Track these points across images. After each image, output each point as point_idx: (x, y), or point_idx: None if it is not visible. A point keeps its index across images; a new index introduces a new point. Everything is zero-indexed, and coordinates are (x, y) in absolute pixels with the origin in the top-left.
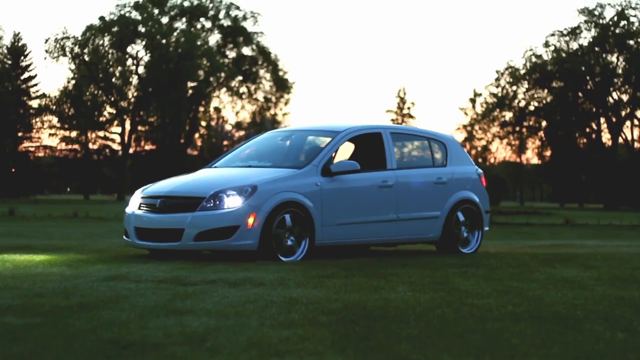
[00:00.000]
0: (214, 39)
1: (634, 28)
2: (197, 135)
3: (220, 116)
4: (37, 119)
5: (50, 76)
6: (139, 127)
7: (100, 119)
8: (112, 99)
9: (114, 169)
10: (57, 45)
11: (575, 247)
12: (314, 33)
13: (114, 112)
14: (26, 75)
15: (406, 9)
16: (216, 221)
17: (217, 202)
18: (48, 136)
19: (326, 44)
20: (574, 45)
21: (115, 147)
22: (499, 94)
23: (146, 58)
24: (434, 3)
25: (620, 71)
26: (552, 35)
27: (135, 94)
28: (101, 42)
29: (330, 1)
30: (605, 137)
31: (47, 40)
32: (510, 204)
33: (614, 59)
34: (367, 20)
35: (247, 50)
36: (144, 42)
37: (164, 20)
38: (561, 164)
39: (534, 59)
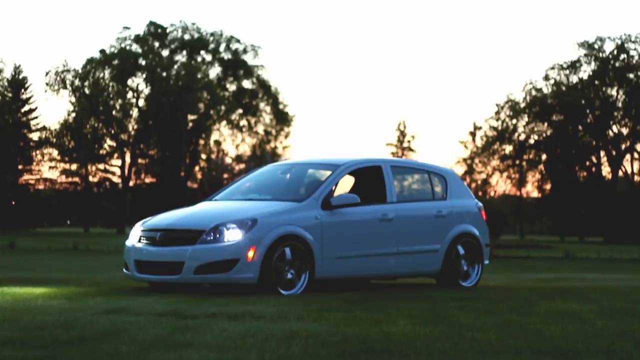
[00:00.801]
0: (215, 72)
1: (634, 61)
2: (197, 168)
3: (221, 149)
4: (38, 152)
5: (51, 108)
6: (139, 160)
7: (101, 151)
8: (113, 131)
9: (114, 201)
10: (58, 78)
11: (575, 280)
12: (314, 66)
13: (114, 144)
14: (27, 107)
15: (407, 43)
16: (216, 254)
17: (218, 235)
18: (48, 169)
19: (327, 76)
20: (574, 79)
21: (116, 179)
22: (499, 127)
23: (146, 91)
24: (434, 37)
25: (620, 104)
26: (552, 68)
27: (135, 126)
28: (101, 74)
29: (331, 34)
30: (605, 170)
31: (47, 73)
32: (510, 237)
33: (613, 92)
34: (368, 54)
35: (247, 83)
36: (144, 75)
37: (165, 53)
38: (561, 197)
39: (534, 93)
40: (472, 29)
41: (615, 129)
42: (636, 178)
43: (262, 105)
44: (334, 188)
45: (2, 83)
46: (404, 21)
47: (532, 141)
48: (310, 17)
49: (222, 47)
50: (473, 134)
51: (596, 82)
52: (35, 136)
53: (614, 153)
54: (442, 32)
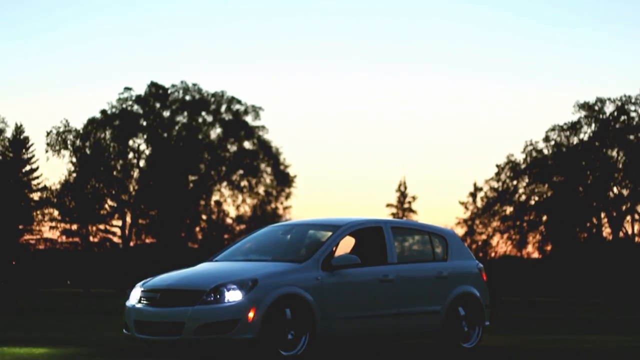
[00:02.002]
0: (215, 132)
1: (634, 123)
2: (197, 228)
3: (221, 209)
4: (38, 212)
5: (52, 168)
6: (140, 220)
7: (101, 212)
8: (113, 192)
9: (114, 262)
10: (59, 139)
11: (576, 341)
12: (315, 126)
13: (115, 205)
14: (28, 167)
15: (407, 104)
16: (217, 315)
17: (218, 296)
18: (49, 229)
19: (327, 137)
20: (574, 140)
21: (116, 240)
22: (500, 188)
23: (147, 151)
24: (434, 99)
25: (620, 165)
26: (553, 129)
27: (136, 187)
28: (103, 135)
29: (332, 96)
30: (606, 231)
31: (48, 134)
32: (511, 298)
33: (614, 153)
34: (370, 116)
35: (248, 144)
36: (145, 136)
37: (166, 113)
38: (562, 258)
39: (534, 154)
40: (472, 90)
41: (615, 190)
42: (637, 239)
43: (262, 166)
44: (334, 249)
45: (3, 143)
46: (405, 84)
47: (532, 202)
48: (312, 78)
49: (223, 108)
50: (473, 195)
51: (596, 143)
52: (36, 196)
53: (614, 214)
54: (442, 94)
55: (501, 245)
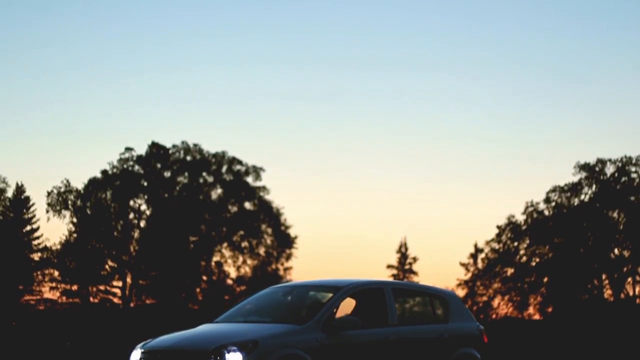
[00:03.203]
0: (216, 193)
1: (635, 184)
2: (198, 289)
3: (222, 270)
4: (39, 272)
5: (52, 228)
6: (140, 281)
7: (102, 272)
8: (114, 252)
9: (114, 323)
10: (60, 199)
11: None
12: (316, 187)
13: (115, 265)
14: (28, 227)
15: (407, 167)
16: None
17: (219, 358)
18: (49, 290)
19: (328, 198)
20: (575, 201)
21: (116, 301)
22: (501, 250)
23: (148, 212)
24: (434, 161)
25: (621, 227)
26: (553, 191)
27: (136, 247)
28: (103, 195)
29: (333, 156)
30: (607, 293)
31: (49, 194)
32: None
33: (615, 215)
34: (370, 177)
35: (249, 205)
36: (146, 196)
37: (167, 174)
38: (563, 320)
39: (535, 215)
40: (472, 151)
41: (616, 251)
42: (638, 301)
43: (263, 226)
44: (335, 310)
45: (4, 203)
46: (406, 144)
47: (533, 264)
48: (313, 140)
49: (224, 169)
50: (474, 256)
51: (597, 204)
52: (36, 256)
53: (615, 276)
54: (443, 155)
55: (502, 306)
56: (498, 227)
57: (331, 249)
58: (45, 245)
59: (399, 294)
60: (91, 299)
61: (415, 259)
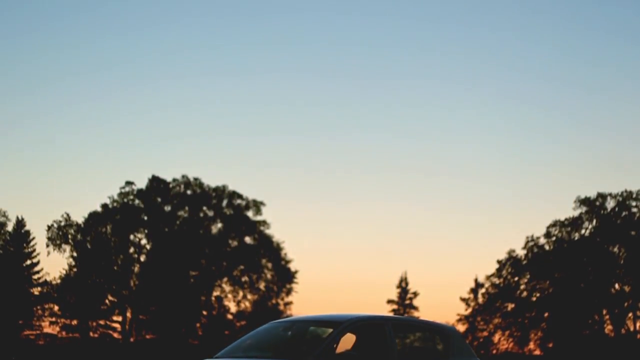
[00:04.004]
0: (216, 227)
1: (636, 218)
2: (198, 324)
3: (222, 305)
4: (39, 307)
5: (52, 262)
6: (140, 316)
7: (102, 307)
8: (114, 287)
9: (114, 358)
10: (60, 233)
11: None
12: (316, 222)
13: (115, 300)
14: (28, 262)
15: (408, 202)
16: None
17: None
18: (49, 324)
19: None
20: (575, 236)
21: (116, 335)
22: (501, 285)
23: (148, 246)
24: (434, 196)
25: (622, 262)
26: (554, 225)
27: (136, 282)
28: (103, 229)
29: (333, 191)
30: (608, 328)
31: (49, 228)
32: None
33: (615, 249)
34: (371, 212)
35: (249, 239)
36: (146, 231)
37: (167, 208)
38: (564, 355)
39: (535, 249)
40: (472, 186)
41: (617, 286)
42: (639, 336)
43: (263, 261)
44: (335, 346)
45: (4, 237)
46: (406, 180)
47: (534, 299)
48: (313, 174)
49: (224, 203)
50: (475, 291)
51: (598, 239)
52: (36, 291)
53: (616, 311)
54: (443, 191)
55: (503, 342)
56: (498, 261)
57: (331, 284)
58: (45, 280)
59: (400, 329)
60: (91, 333)
61: (415, 294)
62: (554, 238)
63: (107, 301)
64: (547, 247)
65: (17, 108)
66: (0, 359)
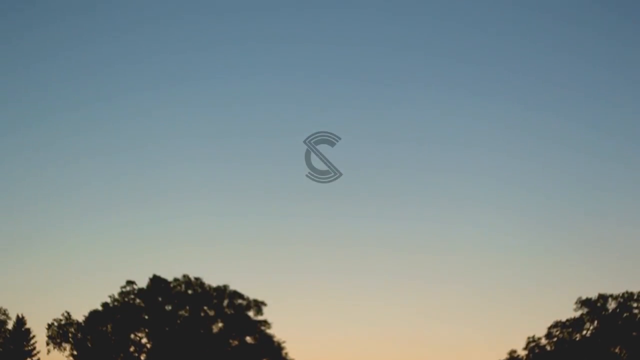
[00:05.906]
0: (217, 326)
1: (637, 319)
2: None
3: None
4: None
5: None
6: None
7: None
8: None
9: None
10: (60, 332)
11: None
12: (317, 321)
13: None
14: None
15: (407, 302)
16: None
17: None
18: None
19: (329, 332)
20: (577, 336)
21: None
22: None
23: (149, 345)
24: (433, 297)
25: None
26: (555, 326)
27: None
28: (104, 328)
29: (333, 291)
30: None
31: (50, 326)
32: None
33: (617, 350)
34: (370, 312)
35: (250, 339)
36: (147, 329)
37: (168, 307)
38: None
39: (536, 350)
40: (474, 287)
41: None
42: None
43: None
44: None
45: (5, 335)
46: (406, 282)
47: None
48: (313, 275)
49: (225, 303)
50: None
51: (599, 340)
52: None
53: None
54: (442, 294)
55: None
56: None
57: None
58: None
59: None
60: None
61: None
62: (555, 339)
63: None
64: (548, 348)
65: (17, 205)
66: None
